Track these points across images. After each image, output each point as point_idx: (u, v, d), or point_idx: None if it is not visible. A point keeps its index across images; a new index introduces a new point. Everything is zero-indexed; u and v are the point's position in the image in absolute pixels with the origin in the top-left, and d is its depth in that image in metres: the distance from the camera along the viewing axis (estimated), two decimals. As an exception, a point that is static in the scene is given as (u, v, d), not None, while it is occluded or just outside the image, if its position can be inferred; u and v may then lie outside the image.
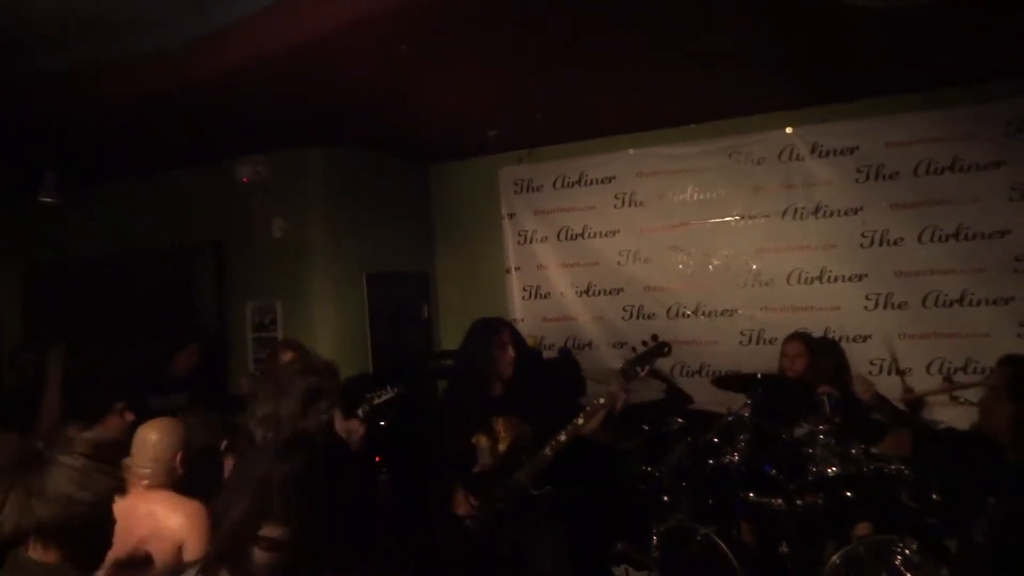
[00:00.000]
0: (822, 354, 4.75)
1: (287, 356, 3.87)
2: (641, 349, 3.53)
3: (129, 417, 3.47)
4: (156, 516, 2.49)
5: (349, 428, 3.17)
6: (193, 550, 2.43)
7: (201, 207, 5.84)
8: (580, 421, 3.39)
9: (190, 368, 5.09)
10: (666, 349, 3.53)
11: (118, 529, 2.53)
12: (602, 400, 3.41)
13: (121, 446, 3.16)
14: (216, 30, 2.98)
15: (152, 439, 2.66)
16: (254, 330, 5.66)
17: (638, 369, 3.49)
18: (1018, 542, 2.50)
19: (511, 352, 3.53)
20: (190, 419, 3.00)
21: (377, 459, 4.00)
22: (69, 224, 6.15)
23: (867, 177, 5.08)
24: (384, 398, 3.64)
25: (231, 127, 4.74)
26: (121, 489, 2.00)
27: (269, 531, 1.75)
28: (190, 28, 2.98)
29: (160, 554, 2.44)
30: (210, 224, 5.81)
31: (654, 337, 3.52)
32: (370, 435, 3.29)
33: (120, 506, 2.55)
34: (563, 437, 3.40)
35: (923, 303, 4.95)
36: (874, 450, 4.00)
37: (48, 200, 4.86)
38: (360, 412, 3.36)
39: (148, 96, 3.68)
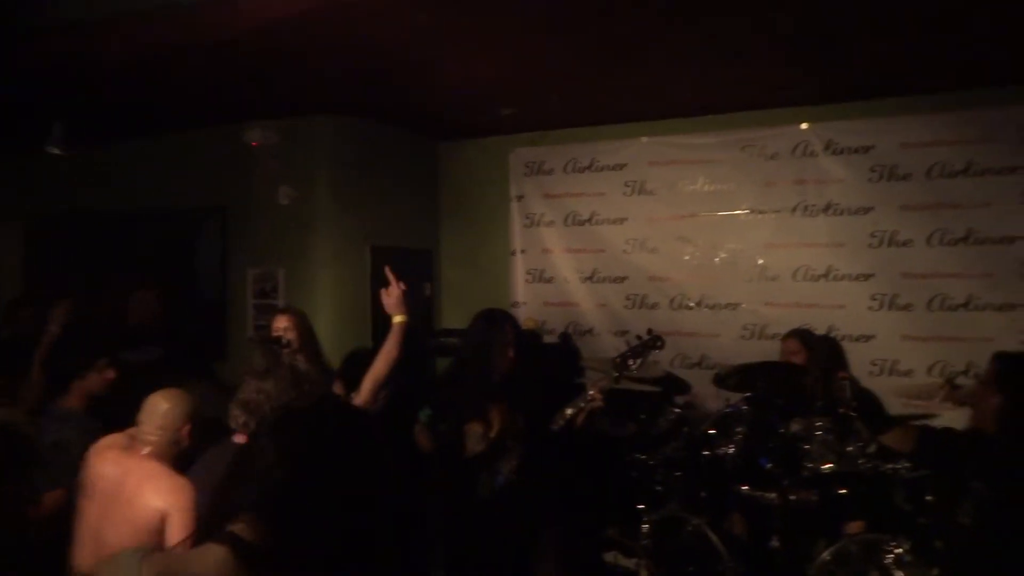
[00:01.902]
0: (817, 351, 4.72)
1: (282, 323, 3.83)
2: (635, 343, 3.53)
3: (110, 375, 3.46)
4: (144, 488, 2.48)
5: None
6: (177, 529, 2.41)
7: (208, 170, 5.80)
8: (561, 421, 3.41)
9: (149, 316, 5.02)
10: (659, 343, 3.53)
11: (100, 491, 2.54)
12: (581, 404, 3.41)
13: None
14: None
15: (163, 408, 2.64)
16: (255, 297, 5.64)
17: (630, 363, 3.49)
18: (999, 523, 2.59)
19: (511, 352, 3.54)
20: (200, 388, 2.98)
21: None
22: (73, 180, 6.12)
23: (880, 177, 5.04)
24: None
25: (242, 89, 4.69)
26: None
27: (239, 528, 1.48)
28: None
29: (142, 528, 2.42)
30: (216, 188, 5.78)
31: (649, 331, 3.52)
32: None
33: (112, 469, 2.55)
34: (553, 427, 3.43)
35: (928, 305, 4.93)
36: (871, 447, 4.01)
37: (55, 151, 4.82)
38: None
39: (159, 50, 3.64)
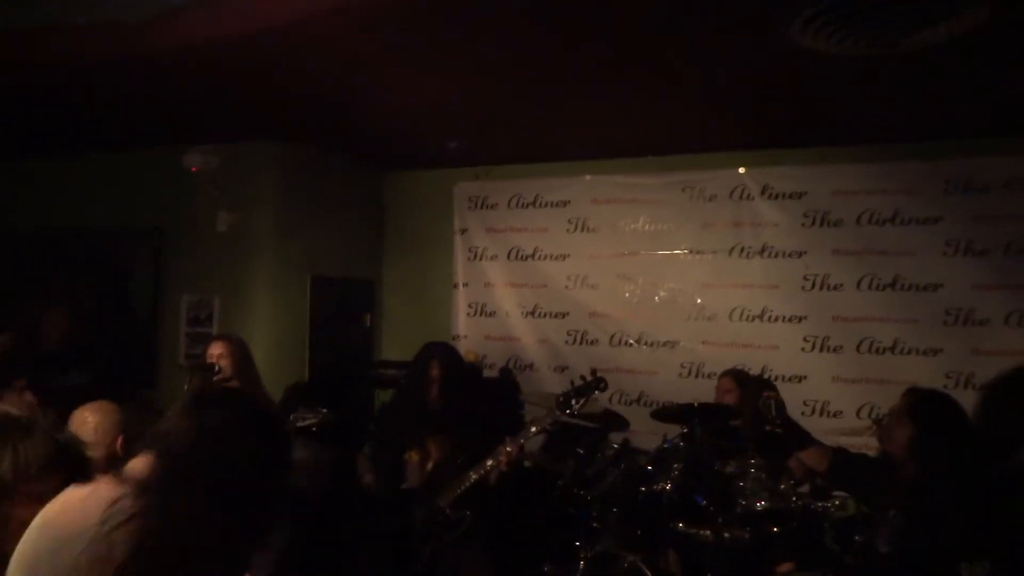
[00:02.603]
0: (748, 389, 4.82)
1: (217, 349, 3.73)
2: (579, 382, 3.55)
3: (28, 397, 3.30)
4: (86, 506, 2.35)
5: None
6: None
7: (145, 192, 5.64)
8: (489, 463, 3.40)
9: (60, 336, 4.85)
10: (603, 385, 3.56)
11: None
12: (508, 448, 3.41)
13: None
14: (177, 6, 2.89)
15: (91, 422, 2.53)
16: (188, 324, 5.48)
17: (573, 402, 3.52)
18: (913, 550, 2.68)
19: (436, 389, 3.59)
20: (130, 413, 2.87)
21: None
22: (8, 196, 5.89)
23: (813, 222, 5.22)
24: (308, 422, 3.30)
25: (182, 111, 4.60)
26: None
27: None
28: (148, 1, 2.89)
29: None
30: (153, 210, 5.61)
31: (593, 372, 3.56)
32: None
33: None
34: (474, 475, 3.42)
35: (857, 348, 5.08)
36: (803, 486, 4.08)
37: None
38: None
39: (98, 66, 3.54)
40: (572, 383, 3.56)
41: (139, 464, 1.51)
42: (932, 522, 2.63)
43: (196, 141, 5.17)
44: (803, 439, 3.29)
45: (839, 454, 3.27)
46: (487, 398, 5.36)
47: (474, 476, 3.42)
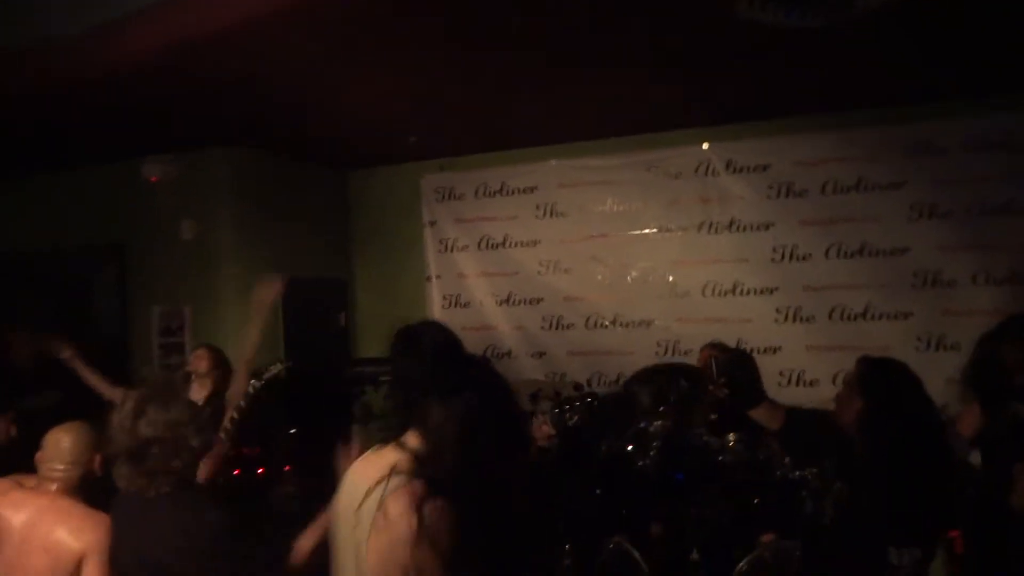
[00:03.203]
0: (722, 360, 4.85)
1: (203, 364, 3.77)
2: (568, 393, 3.61)
3: (12, 430, 3.27)
4: (58, 530, 2.33)
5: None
6: (93, 569, 2.28)
7: (104, 207, 5.57)
8: None
9: (26, 357, 4.75)
10: (595, 401, 3.60)
11: (6, 540, 2.37)
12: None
13: None
14: (116, 18, 2.83)
15: (66, 442, 2.49)
16: (160, 335, 5.43)
17: (566, 417, 3.55)
18: (856, 522, 2.66)
19: None
20: (100, 425, 2.85)
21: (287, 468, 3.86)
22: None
23: (778, 194, 5.24)
24: (272, 372, 3.48)
25: (134, 123, 4.55)
26: None
27: None
28: (87, 14, 2.82)
29: (60, 574, 2.28)
30: (114, 225, 5.55)
31: (582, 386, 3.62)
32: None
33: (18, 514, 2.38)
34: None
35: (829, 316, 5.13)
36: (784, 457, 4.12)
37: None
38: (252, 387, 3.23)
39: (39, 86, 3.48)
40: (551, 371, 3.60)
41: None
42: (867, 502, 2.61)
43: (152, 152, 5.11)
44: (751, 398, 3.22)
45: (793, 412, 3.22)
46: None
47: None
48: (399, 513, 1.64)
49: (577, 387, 3.72)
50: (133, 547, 2.23)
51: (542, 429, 3.49)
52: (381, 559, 1.65)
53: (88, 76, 3.42)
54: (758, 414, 3.17)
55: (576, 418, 3.64)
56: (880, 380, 2.76)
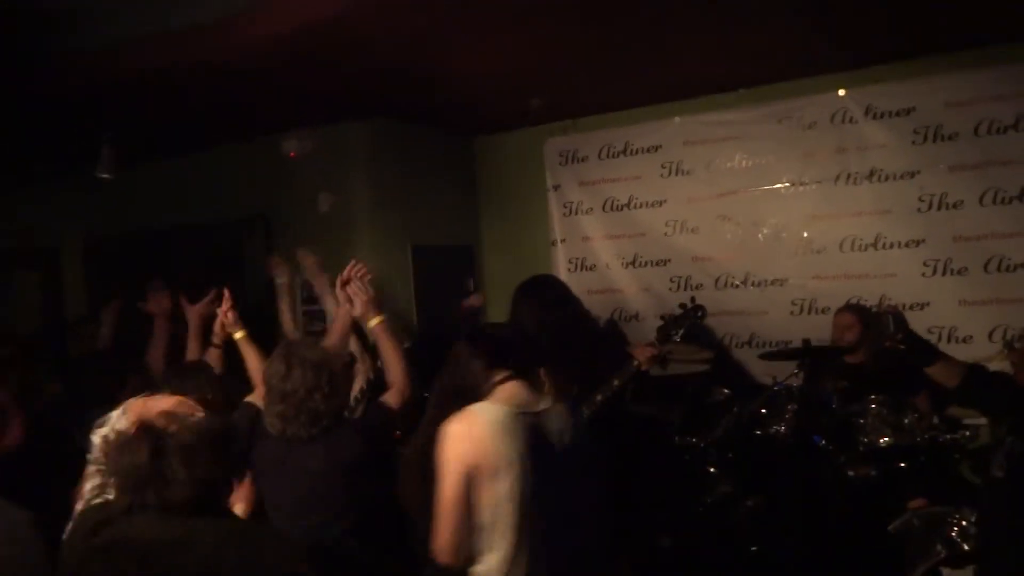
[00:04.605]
0: (874, 325, 4.60)
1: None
2: (677, 312, 3.52)
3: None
4: None
5: None
6: None
7: (249, 181, 5.93)
8: (616, 382, 3.43)
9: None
10: (700, 312, 3.50)
11: None
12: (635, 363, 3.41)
13: None
14: (247, 4, 2.99)
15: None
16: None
17: (672, 333, 3.48)
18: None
19: None
20: None
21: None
22: (125, 199, 6.29)
23: (924, 139, 4.87)
24: None
25: (272, 102, 4.79)
26: None
27: None
28: (219, 3, 3.00)
29: None
30: (258, 198, 5.91)
31: (692, 299, 3.50)
32: None
33: None
34: (599, 396, 3.41)
35: (985, 268, 4.75)
36: (934, 419, 3.89)
37: (104, 176, 5.01)
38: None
39: (185, 70, 3.73)
40: (663, 317, 3.53)
41: None
42: None
43: (290, 128, 5.38)
44: (929, 354, 3.06)
45: (975, 369, 3.03)
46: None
47: (600, 397, 3.41)
48: None
49: (682, 305, 3.58)
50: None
51: (645, 349, 3.43)
52: None
53: (224, 60, 3.63)
54: (936, 371, 3.01)
55: (681, 331, 3.53)
56: None
